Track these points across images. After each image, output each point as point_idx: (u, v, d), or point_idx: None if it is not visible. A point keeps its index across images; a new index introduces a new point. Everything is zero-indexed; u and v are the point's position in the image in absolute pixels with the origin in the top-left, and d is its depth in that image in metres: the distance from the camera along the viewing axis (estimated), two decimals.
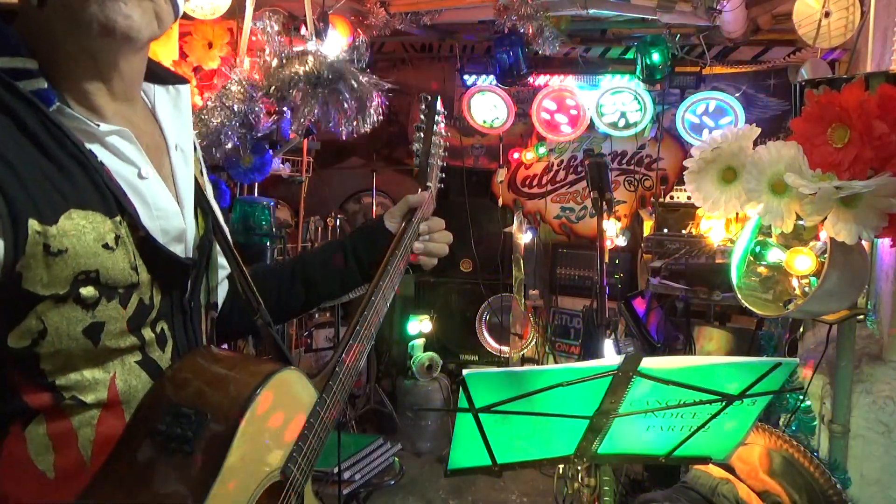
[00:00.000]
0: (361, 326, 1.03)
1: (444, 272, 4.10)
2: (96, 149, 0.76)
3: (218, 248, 0.98)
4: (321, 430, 0.91)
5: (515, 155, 4.18)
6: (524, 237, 4.08)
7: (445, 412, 3.88)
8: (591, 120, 3.81)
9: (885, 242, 1.97)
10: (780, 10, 3.17)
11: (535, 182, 4.20)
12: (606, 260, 1.89)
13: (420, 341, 3.94)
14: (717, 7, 2.96)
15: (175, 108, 0.90)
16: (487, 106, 4.00)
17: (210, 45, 2.88)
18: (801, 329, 2.51)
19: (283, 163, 3.59)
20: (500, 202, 4.18)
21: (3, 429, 0.71)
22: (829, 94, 1.45)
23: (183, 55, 3.00)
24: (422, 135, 1.29)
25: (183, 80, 0.93)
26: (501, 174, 4.18)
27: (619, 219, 3.91)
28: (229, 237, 0.97)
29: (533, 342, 4.09)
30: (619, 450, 1.28)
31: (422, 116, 1.31)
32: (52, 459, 0.72)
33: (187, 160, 0.89)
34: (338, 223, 3.97)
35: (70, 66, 0.76)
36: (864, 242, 1.62)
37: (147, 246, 0.79)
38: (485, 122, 4.03)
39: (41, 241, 0.68)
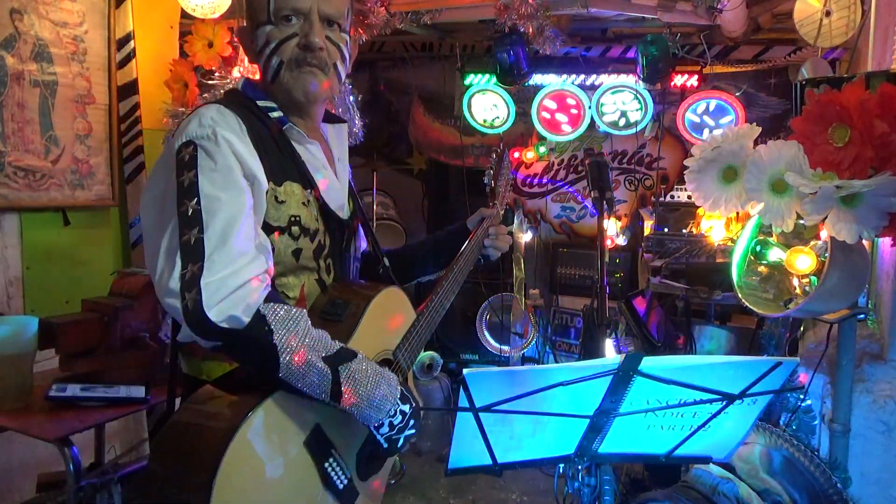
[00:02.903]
0: (448, 281, 1.53)
1: None
2: (301, 150, 1.31)
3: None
4: (418, 339, 1.44)
5: (516, 154, 4.17)
6: (524, 236, 4.08)
7: (446, 411, 3.88)
8: (592, 119, 3.80)
9: (885, 242, 1.97)
10: (781, 10, 3.17)
11: (535, 181, 4.20)
12: (607, 259, 1.89)
13: None
14: (718, 6, 2.96)
15: (337, 137, 1.47)
16: (488, 105, 3.99)
17: (210, 45, 2.88)
18: (802, 328, 2.51)
19: None
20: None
21: None
22: (829, 93, 1.45)
23: (183, 54, 3.01)
24: (492, 171, 1.82)
25: (343, 121, 1.51)
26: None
27: (619, 218, 3.90)
28: (366, 215, 1.52)
29: (533, 341, 4.09)
30: (620, 449, 1.28)
31: (492, 161, 1.84)
32: None
33: (344, 167, 1.46)
34: None
35: (286, 110, 1.31)
36: (864, 242, 1.62)
37: (324, 208, 1.33)
38: (485, 121, 4.02)
39: (273, 194, 1.22)
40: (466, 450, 1.19)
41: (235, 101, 1.27)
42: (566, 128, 3.87)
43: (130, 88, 2.91)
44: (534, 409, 1.14)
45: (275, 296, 1.13)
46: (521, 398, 1.10)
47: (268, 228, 1.22)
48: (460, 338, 4.22)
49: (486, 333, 4.16)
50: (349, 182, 1.48)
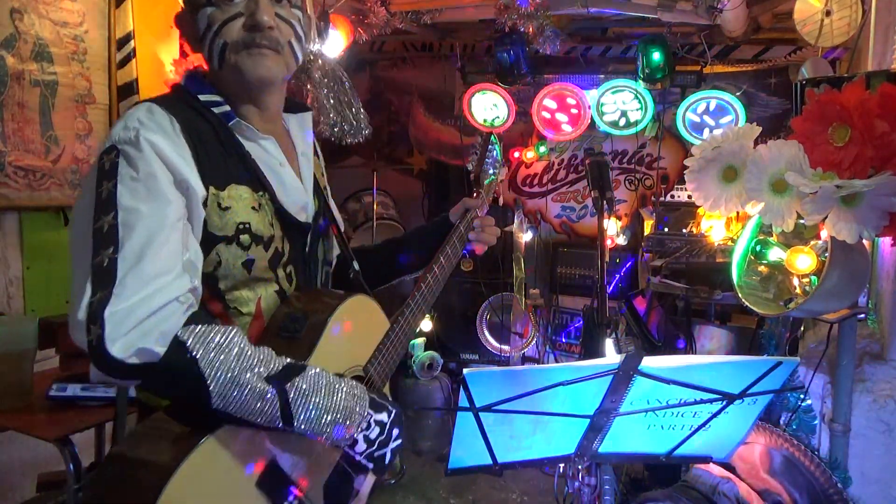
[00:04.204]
0: (426, 283, 1.39)
1: None
2: (252, 147, 1.18)
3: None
4: (393, 350, 1.29)
5: (516, 154, 4.17)
6: (524, 236, 4.08)
7: (446, 411, 3.88)
8: (592, 119, 3.80)
9: (885, 241, 1.97)
10: (781, 9, 3.16)
11: (535, 181, 4.20)
12: (607, 259, 1.88)
13: (421, 340, 3.94)
14: (718, 6, 2.96)
15: (300, 128, 1.32)
16: (488, 105, 3.99)
17: None
18: (802, 328, 2.51)
19: None
20: (501, 201, 4.17)
21: None
22: (829, 92, 1.45)
23: (183, 54, 3.01)
24: (476, 157, 1.69)
25: (307, 109, 1.35)
26: (502, 173, 4.17)
27: (619, 218, 3.90)
28: (336, 215, 1.44)
29: (533, 341, 4.09)
30: (620, 449, 1.28)
31: (478, 145, 1.71)
32: None
33: (308, 162, 1.31)
34: None
35: (237, 101, 1.18)
36: (864, 241, 1.62)
37: (280, 211, 1.19)
38: (485, 121, 4.02)
39: (215, 200, 1.08)
40: (466, 450, 1.19)
41: (174, 97, 1.15)
42: (566, 127, 3.87)
43: (130, 88, 2.91)
44: (534, 409, 1.14)
45: (201, 316, 0.99)
46: (521, 398, 1.10)
47: (212, 239, 1.08)
48: (460, 338, 4.22)
49: (486, 333, 4.16)
50: (315, 179, 1.33)
